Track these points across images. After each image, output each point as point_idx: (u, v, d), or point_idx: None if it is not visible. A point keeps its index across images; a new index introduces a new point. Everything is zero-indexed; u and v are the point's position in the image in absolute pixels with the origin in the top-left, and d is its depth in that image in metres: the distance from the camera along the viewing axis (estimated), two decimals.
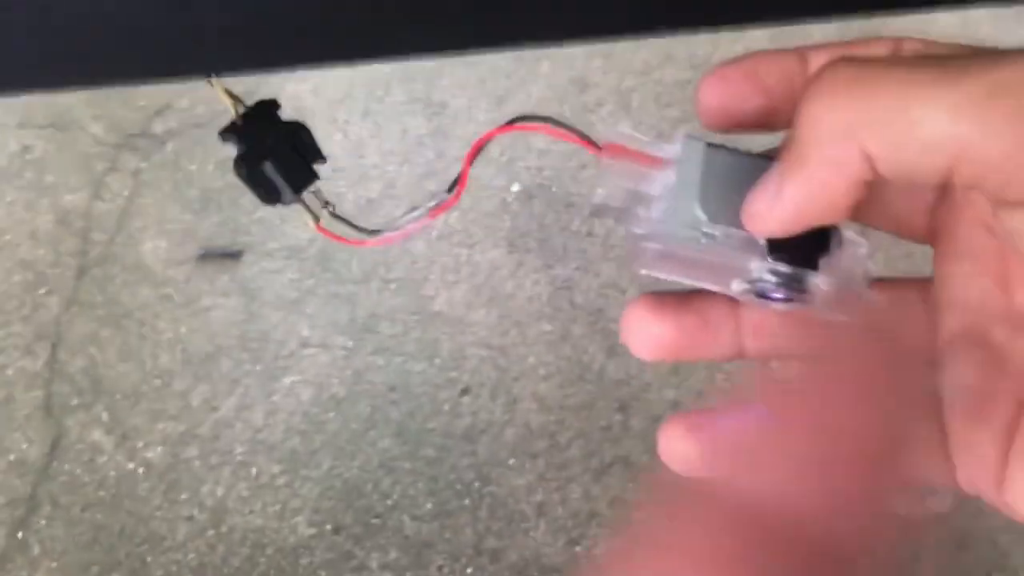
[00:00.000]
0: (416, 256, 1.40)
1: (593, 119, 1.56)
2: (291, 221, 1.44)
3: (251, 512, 1.18)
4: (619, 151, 0.27)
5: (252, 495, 1.20)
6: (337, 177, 1.45)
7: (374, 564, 1.16)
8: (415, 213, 0.51)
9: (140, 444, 1.23)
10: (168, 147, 1.49)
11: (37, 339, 1.31)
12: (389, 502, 1.20)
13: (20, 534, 1.16)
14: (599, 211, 0.27)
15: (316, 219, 0.52)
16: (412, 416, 1.26)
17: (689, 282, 0.26)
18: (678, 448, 0.25)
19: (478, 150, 0.50)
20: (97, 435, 1.24)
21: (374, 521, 1.19)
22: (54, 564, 1.13)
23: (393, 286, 1.37)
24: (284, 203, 0.48)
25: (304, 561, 1.15)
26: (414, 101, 1.52)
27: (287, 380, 1.29)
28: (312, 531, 1.17)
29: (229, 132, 0.48)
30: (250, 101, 0.40)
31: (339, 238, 0.54)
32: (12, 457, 1.22)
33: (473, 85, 1.54)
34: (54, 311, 1.34)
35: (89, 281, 1.36)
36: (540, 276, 1.41)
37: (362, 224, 0.53)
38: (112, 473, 1.21)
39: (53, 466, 1.21)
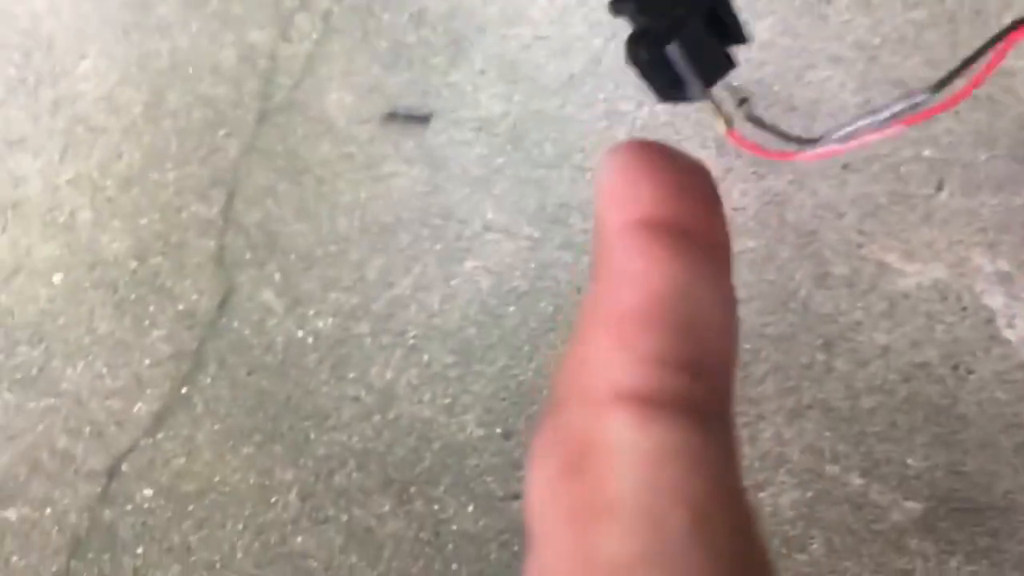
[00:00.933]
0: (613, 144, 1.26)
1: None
2: (485, 89, 1.31)
3: (420, 402, 1.11)
4: None
5: (422, 383, 1.12)
6: (539, 46, 1.31)
7: None
8: (875, 118, 0.38)
9: (311, 312, 1.16)
10: None
11: (213, 184, 1.24)
12: None
13: (184, 389, 1.12)
14: None
15: (728, 123, 0.40)
16: None
17: None
18: None
19: (1007, 49, 0.36)
20: (268, 295, 1.17)
21: None
22: (217, 426, 1.09)
23: (588, 176, 1.25)
24: (690, 99, 0.36)
25: (471, 462, 1.08)
26: None
27: (468, 264, 1.19)
28: (481, 432, 1.10)
29: (625, 1, 0.35)
30: None
31: (756, 148, 0.42)
32: (181, 307, 1.17)
33: None
34: (232, 155, 1.26)
35: (270, 128, 1.27)
36: (749, 187, 1.26)
37: (789, 129, 0.40)
38: (280, 338, 1.15)
39: (222, 322, 1.16)
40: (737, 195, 1.24)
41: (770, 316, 1.18)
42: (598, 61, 1.32)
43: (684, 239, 0.17)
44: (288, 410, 1.10)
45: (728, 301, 0.17)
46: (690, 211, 0.17)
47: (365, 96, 1.30)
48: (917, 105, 0.34)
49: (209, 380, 1.13)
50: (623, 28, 1.13)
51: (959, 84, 0.35)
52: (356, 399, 1.12)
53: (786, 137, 0.39)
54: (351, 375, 1.13)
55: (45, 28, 1.31)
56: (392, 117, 1.28)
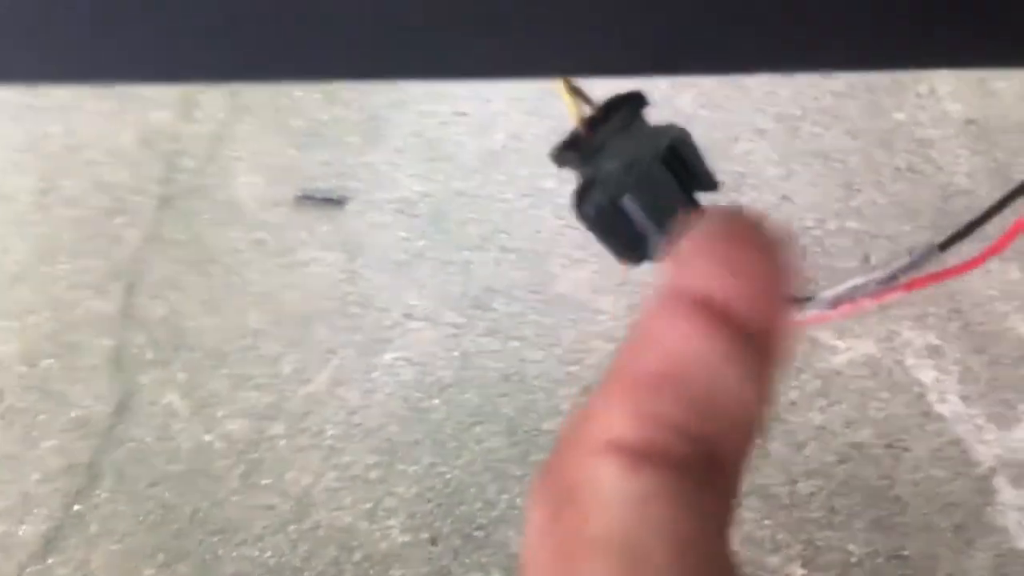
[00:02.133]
0: (541, 224, 1.22)
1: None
2: (404, 168, 1.26)
3: (339, 508, 1.04)
4: None
5: (342, 487, 1.05)
6: (461, 122, 1.27)
7: None
8: (872, 278, 0.33)
9: (220, 414, 1.08)
10: None
11: (111, 277, 1.16)
12: (494, 512, 1.05)
13: (77, 507, 1.02)
14: None
15: None
16: (525, 413, 1.10)
17: None
18: None
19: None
20: (172, 398, 1.09)
21: (476, 533, 1.04)
22: (114, 547, 0.99)
23: (512, 257, 1.20)
24: (652, 258, 0.31)
25: (395, 573, 1.01)
26: None
27: (388, 356, 1.13)
28: (406, 538, 1.03)
29: (569, 147, 0.30)
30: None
31: None
32: (74, 414, 1.08)
33: None
34: (132, 245, 1.18)
35: (173, 214, 1.20)
36: None
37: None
38: (186, 444, 1.06)
39: (119, 430, 1.07)
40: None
41: None
42: (519, 137, 1.28)
43: (722, 320, 0.17)
44: (194, 524, 1.02)
45: (754, 390, 0.17)
46: (741, 294, 0.17)
47: (277, 178, 1.23)
48: (919, 266, 0.30)
49: (105, 495, 1.03)
50: (544, 102, 1.07)
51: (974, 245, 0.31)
52: (270, 508, 1.04)
53: None
54: (264, 482, 1.05)
55: None
56: (306, 200, 1.22)
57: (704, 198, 0.32)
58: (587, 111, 0.30)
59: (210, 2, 0.20)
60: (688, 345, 0.16)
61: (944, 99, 1.30)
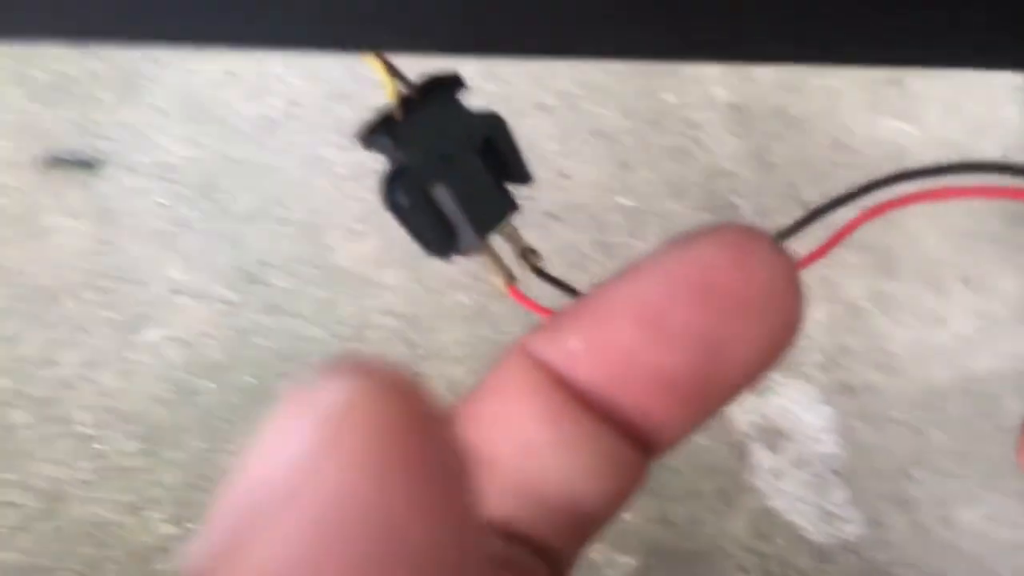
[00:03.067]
0: (319, 195, 1.17)
1: None
2: (166, 130, 1.16)
3: (96, 501, 0.95)
4: None
5: (98, 479, 0.95)
6: (233, 84, 1.18)
7: None
8: None
9: None
10: None
11: None
12: None
13: None
14: None
15: (510, 278, 0.33)
16: None
17: None
18: None
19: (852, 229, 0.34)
20: None
21: None
22: None
23: (289, 229, 1.14)
24: (463, 251, 0.29)
25: (160, 567, 0.94)
26: None
27: (150, 334, 1.04)
28: (173, 530, 0.95)
29: (380, 130, 0.27)
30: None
31: (544, 309, 0.35)
32: None
33: None
34: None
35: None
36: None
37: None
38: None
39: None
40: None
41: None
42: (296, 103, 1.21)
43: (571, 404, 0.14)
44: None
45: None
46: (616, 391, 0.14)
47: (16, 137, 1.09)
48: None
49: None
50: (323, 66, 1.01)
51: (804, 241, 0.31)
52: (13, 505, 0.93)
53: (576, 294, 0.33)
54: (6, 476, 0.94)
55: None
56: (52, 162, 1.09)
57: (515, 190, 0.31)
58: (402, 90, 0.27)
59: None
60: (511, 427, 0.15)
61: (709, 83, 1.36)
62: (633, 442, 0.15)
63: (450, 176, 0.27)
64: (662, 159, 1.30)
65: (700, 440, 1.14)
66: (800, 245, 0.36)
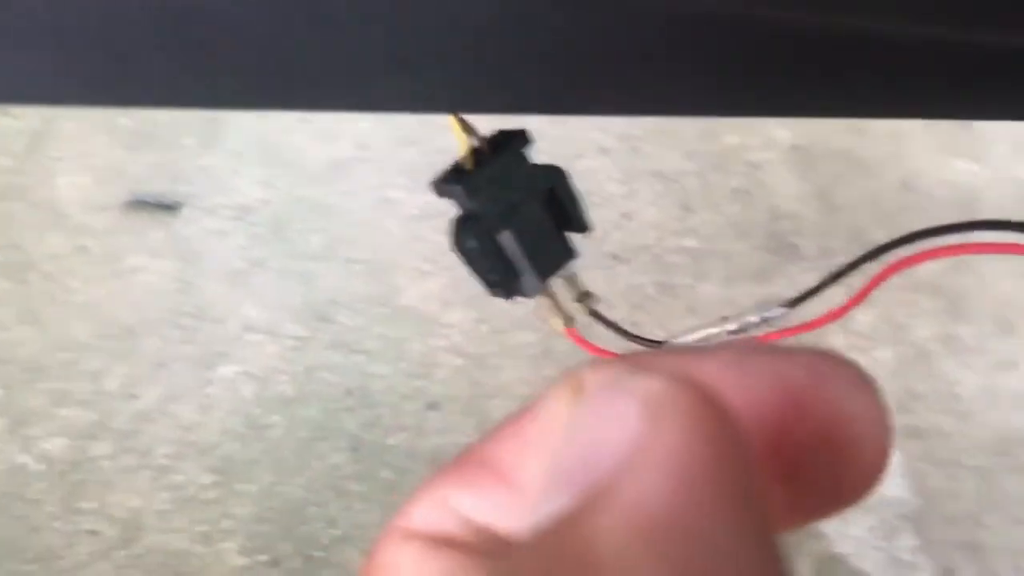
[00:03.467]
0: (387, 236, 1.20)
1: None
2: (243, 173, 1.21)
3: (172, 530, 0.98)
4: None
5: (175, 509, 0.99)
6: (305, 128, 1.23)
7: None
8: (725, 328, 0.34)
9: (38, 433, 1.00)
10: None
11: None
12: (336, 532, 1.02)
13: None
14: None
15: (568, 320, 0.35)
16: (370, 428, 1.08)
17: None
18: None
19: (885, 276, 0.34)
20: None
21: (317, 554, 1.00)
22: None
23: (357, 268, 1.17)
24: (524, 294, 0.31)
25: None
26: None
27: (225, 370, 1.07)
28: (244, 561, 0.98)
29: (452, 179, 0.29)
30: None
31: (601, 351, 0.37)
32: None
33: None
34: None
35: None
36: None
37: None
38: (0, 466, 0.98)
39: None
40: None
41: None
42: (366, 146, 1.26)
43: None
44: (10, 553, 0.93)
45: None
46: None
47: (103, 180, 1.15)
48: (771, 320, 0.31)
49: None
50: (395, 114, 1.04)
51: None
52: (94, 533, 0.97)
53: (631, 337, 0.35)
54: (88, 505, 0.98)
55: None
56: (136, 204, 1.15)
57: (575, 237, 0.32)
58: (474, 144, 0.30)
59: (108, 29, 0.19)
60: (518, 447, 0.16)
61: (772, 125, 1.37)
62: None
63: (514, 223, 0.29)
64: (724, 201, 1.30)
65: None
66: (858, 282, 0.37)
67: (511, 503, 0.16)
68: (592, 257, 1.23)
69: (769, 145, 1.36)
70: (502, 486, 0.16)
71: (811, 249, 1.25)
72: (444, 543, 0.16)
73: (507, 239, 0.29)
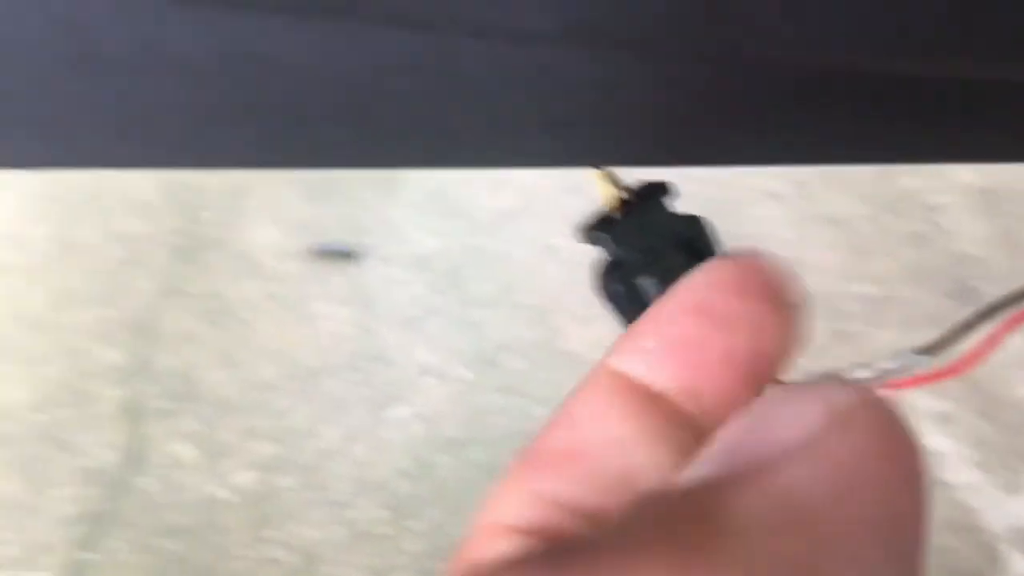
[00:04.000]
0: (550, 282, 1.23)
1: None
2: (418, 224, 1.28)
3: (347, 563, 1.03)
4: None
5: (350, 543, 1.04)
6: (475, 180, 1.29)
7: None
8: (860, 376, 0.34)
9: (230, 466, 1.08)
10: None
11: (126, 327, 1.16)
12: None
13: (88, 555, 1.02)
14: None
15: None
16: None
17: None
18: None
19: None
20: (183, 448, 1.09)
21: None
22: None
23: (524, 313, 1.21)
24: None
25: None
26: None
27: (399, 411, 1.13)
28: None
29: (601, 228, 0.32)
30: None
31: None
32: (85, 463, 1.08)
33: None
34: (147, 296, 1.19)
35: (189, 266, 1.21)
36: None
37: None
38: (196, 496, 1.06)
39: (129, 479, 1.07)
40: None
41: None
42: (531, 196, 1.30)
43: (647, 402, 0.16)
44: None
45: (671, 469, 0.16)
46: (684, 385, 0.16)
47: (292, 231, 1.25)
48: (908, 370, 0.31)
49: (114, 545, 1.03)
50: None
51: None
52: (276, 562, 1.03)
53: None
54: (272, 535, 1.05)
55: None
56: (320, 253, 1.23)
57: None
58: (619, 195, 0.32)
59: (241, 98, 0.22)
60: (598, 424, 0.16)
61: (955, 167, 1.31)
62: (711, 434, 0.16)
63: (656, 270, 0.31)
64: (901, 245, 1.26)
65: (948, 541, 1.08)
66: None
67: (596, 477, 0.16)
68: None
69: (950, 188, 1.30)
70: (582, 464, 0.16)
71: (995, 294, 1.19)
72: (547, 534, 0.15)
73: (648, 285, 0.30)
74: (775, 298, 0.16)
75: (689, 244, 0.32)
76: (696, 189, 1.18)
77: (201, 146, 0.26)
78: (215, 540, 1.04)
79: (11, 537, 1.04)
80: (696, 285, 0.16)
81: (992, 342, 0.31)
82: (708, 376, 0.16)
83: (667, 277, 0.31)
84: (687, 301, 0.16)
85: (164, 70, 0.20)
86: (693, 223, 0.32)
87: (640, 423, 0.16)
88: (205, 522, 1.05)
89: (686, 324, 0.16)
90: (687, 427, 0.16)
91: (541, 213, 1.28)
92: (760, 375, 0.16)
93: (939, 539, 1.07)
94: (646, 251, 0.31)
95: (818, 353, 1.19)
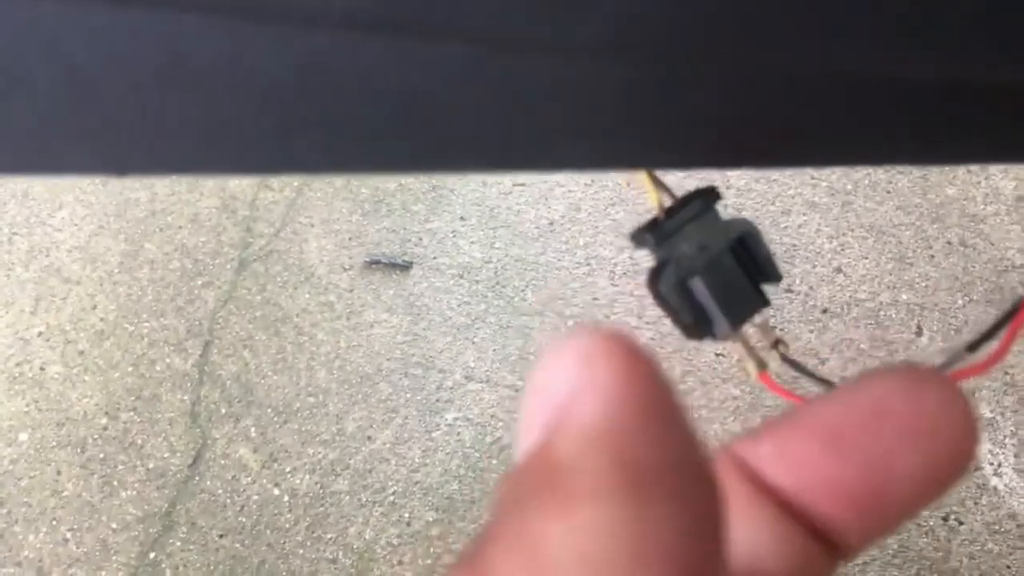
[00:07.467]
0: (597, 291, 1.26)
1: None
2: (466, 235, 1.31)
3: (400, 563, 1.07)
4: None
5: (402, 543, 1.08)
6: (521, 192, 1.32)
7: None
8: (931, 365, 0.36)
9: (288, 468, 1.12)
10: None
11: (189, 336, 1.22)
12: None
13: (152, 555, 1.07)
14: None
15: (761, 365, 0.38)
16: None
17: None
18: None
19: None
20: (243, 452, 1.13)
21: None
22: None
23: (570, 322, 1.24)
24: (716, 337, 0.34)
25: None
26: None
27: (448, 416, 1.16)
28: None
29: (647, 232, 0.34)
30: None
31: (790, 394, 0.40)
32: (151, 465, 1.13)
33: None
34: (209, 306, 1.24)
35: (249, 277, 1.26)
36: None
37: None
38: (255, 497, 1.11)
39: (194, 481, 1.12)
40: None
41: None
42: (577, 208, 1.33)
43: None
44: (262, 575, 1.05)
45: None
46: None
47: (345, 244, 1.29)
48: (948, 367, 0.33)
49: (179, 544, 1.08)
50: (600, 174, 1.12)
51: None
52: (333, 561, 1.07)
53: (822, 381, 0.37)
54: (328, 535, 1.09)
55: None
56: (372, 265, 1.28)
57: (768, 289, 0.34)
58: (666, 200, 0.33)
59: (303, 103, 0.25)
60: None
61: (995, 176, 1.32)
62: (816, 539, 0.16)
63: (705, 271, 0.32)
64: (943, 253, 1.27)
65: (993, 546, 1.08)
66: None
67: None
68: (801, 311, 1.23)
69: (992, 197, 1.31)
70: None
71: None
72: None
73: (698, 285, 0.31)
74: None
75: (739, 247, 0.33)
76: (736, 200, 1.23)
77: (274, 153, 0.28)
78: (274, 540, 1.08)
79: (83, 537, 1.09)
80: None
81: (1013, 333, 0.33)
82: (821, 500, 0.16)
83: (716, 277, 0.32)
84: (815, 422, 0.16)
85: (246, 83, 0.23)
86: (741, 226, 0.33)
87: (746, 505, 0.16)
88: (265, 523, 1.09)
89: (809, 444, 0.16)
90: (795, 524, 0.16)
91: (587, 225, 1.31)
92: (884, 514, 0.16)
93: (986, 544, 1.08)
94: (694, 253, 0.32)
95: (859, 360, 1.20)
